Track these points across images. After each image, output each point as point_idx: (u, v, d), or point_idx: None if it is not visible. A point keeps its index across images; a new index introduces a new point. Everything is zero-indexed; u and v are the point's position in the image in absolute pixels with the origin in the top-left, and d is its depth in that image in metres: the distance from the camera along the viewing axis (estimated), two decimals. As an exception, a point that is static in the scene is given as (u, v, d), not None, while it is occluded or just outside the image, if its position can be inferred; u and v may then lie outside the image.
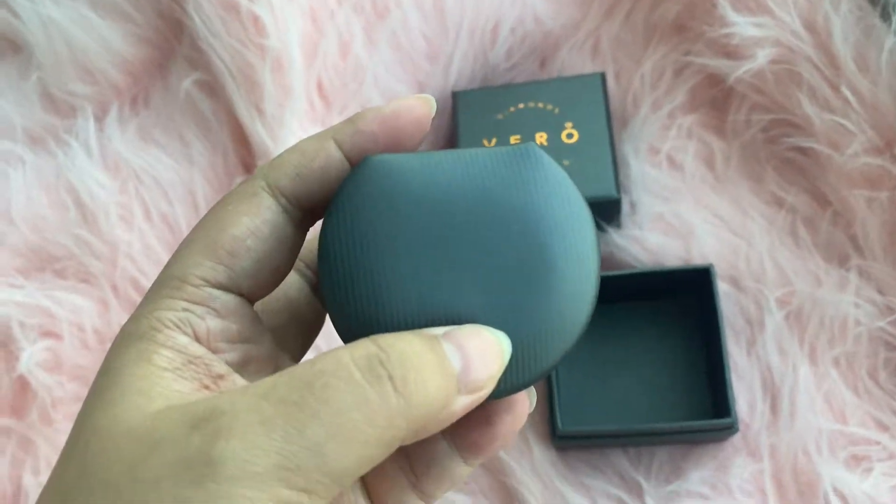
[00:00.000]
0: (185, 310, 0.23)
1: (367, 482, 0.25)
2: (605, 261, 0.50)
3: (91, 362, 0.51)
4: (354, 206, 0.24)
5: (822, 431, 0.44)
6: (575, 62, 0.54)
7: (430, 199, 0.24)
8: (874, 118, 0.45)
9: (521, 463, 0.46)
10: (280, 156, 0.25)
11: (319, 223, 0.25)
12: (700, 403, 0.46)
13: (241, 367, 0.24)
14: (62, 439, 0.49)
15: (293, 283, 0.28)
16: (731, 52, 0.49)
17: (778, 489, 0.44)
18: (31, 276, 0.53)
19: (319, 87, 0.53)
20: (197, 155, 0.54)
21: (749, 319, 0.47)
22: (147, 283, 0.52)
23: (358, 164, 0.24)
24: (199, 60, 0.55)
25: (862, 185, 0.46)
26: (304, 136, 0.51)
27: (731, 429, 0.43)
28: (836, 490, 0.43)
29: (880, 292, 0.46)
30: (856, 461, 0.44)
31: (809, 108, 0.47)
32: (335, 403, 0.20)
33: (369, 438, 0.20)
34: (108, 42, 0.55)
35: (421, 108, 0.25)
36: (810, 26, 0.46)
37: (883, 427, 0.44)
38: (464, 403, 0.22)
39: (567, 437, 0.44)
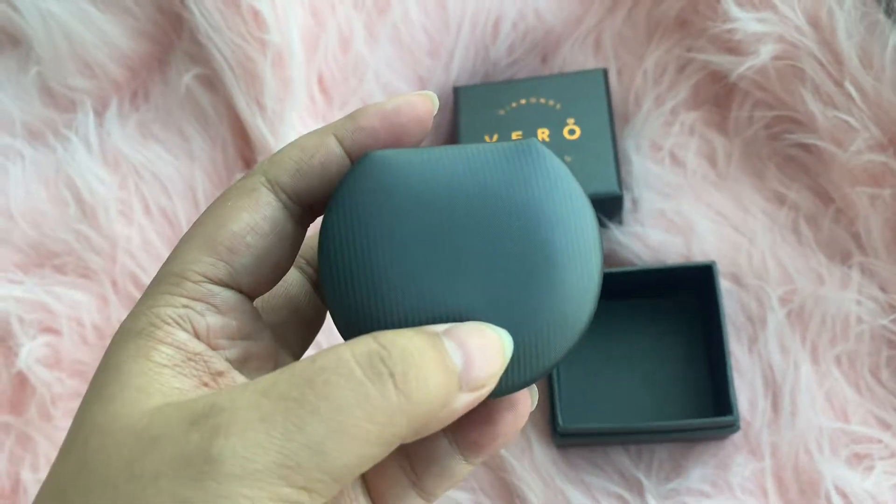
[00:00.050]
0: (184, 306, 0.23)
1: (368, 480, 0.25)
2: (607, 258, 0.50)
3: (90, 358, 0.51)
4: (355, 202, 0.24)
5: (823, 430, 0.44)
6: (577, 58, 0.54)
7: (431, 195, 0.24)
8: (878, 115, 0.45)
9: (521, 460, 0.46)
10: (280, 151, 0.25)
11: (320, 219, 0.25)
12: (701, 401, 0.46)
13: (240, 363, 0.24)
14: (61, 436, 0.49)
15: (293, 279, 0.28)
16: (734, 49, 0.49)
17: (779, 487, 0.44)
18: (31, 271, 0.53)
19: (320, 81, 0.53)
20: (197, 150, 0.54)
21: (751, 317, 0.47)
22: (147, 279, 0.52)
23: (358, 160, 0.24)
24: (199, 55, 0.55)
25: (865, 182, 0.45)
26: (305, 131, 0.51)
27: (733, 427, 0.43)
28: (837, 488, 0.43)
29: (883, 290, 0.46)
30: (857, 459, 0.44)
31: (812, 105, 0.46)
32: (336, 400, 0.20)
33: (370, 436, 0.20)
34: (108, 36, 0.55)
35: (422, 104, 0.25)
36: (814, 22, 0.46)
37: (885, 425, 0.44)
38: (465, 401, 0.22)
39: (568, 434, 0.44)
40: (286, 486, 0.19)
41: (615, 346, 0.48)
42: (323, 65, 0.53)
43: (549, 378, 0.45)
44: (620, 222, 0.50)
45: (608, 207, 0.48)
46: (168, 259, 0.24)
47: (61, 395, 0.50)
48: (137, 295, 0.52)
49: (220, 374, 0.23)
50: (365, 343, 0.21)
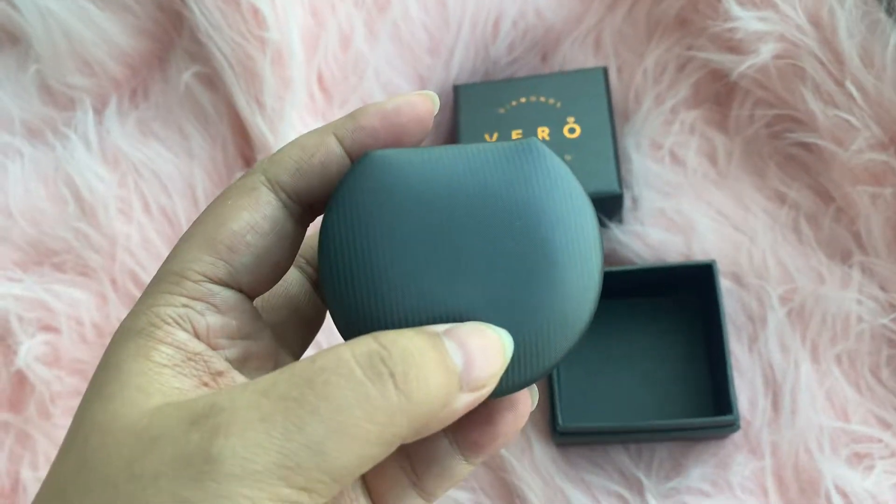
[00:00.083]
0: (184, 306, 0.23)
1: (368, 481, 0.25)
2: (607, 257, 0.50)
3: (90, 356, 0.51)
4: (355, 202, 0.24)
5: (823, 429, 0.44)
6: (577, 56, 0.54)
7: (431, 194, 0.24)
8: (878, 114, 0.45)
9: (521, 460, 0.46)
10: (280, 151, 0.25)
11: (320, 219, 0.25)
12: (701, 400, 0.46)
13: (240, 363, 0.24)
14: (60, 434, 0.49)
15: (293, 279, 0.28)
16: (735, 47, 0.49)
17: (779, 486, 0.44)
18: (30, 269, 0.53)
19: (320, 79, 0.53)
20: (196, 148, 0.54)
21: (751, 316, 0.47)
22: (146, 277, 0.52)
23: (358, 160, 0.24)
24: (198, 53, 0.55)
25: (866, 181, 0.45)
26: (305, 130, 0.51)
27: (733, 426, 0.43)
28: (837, 487, 0.43)
29: (883, 289, 0.46)
30: (857, 459, 0.44)
31: (813, 104, 0.46)
32: (336, 400, 0.20)
33: (370, 436, 0.20)
34: (108, 34, 0.55)
35: (423, 104, 0.25)
36: (815, 21, 0.46)
37: (885, 425, 0.44)
38: (465, 401, 0.22)
39: (568, 433, 0.44)
40: (286, 487, 0.19)
41: (615, 345, 0.48)
42: (323, 63, 0.53)
43: (549, 377, 0.45)
44: (620, 221, 0.50)
45: (608, 206, 0.48)
46: (168, 258, 0.24)
47: (60, 393, 0.50)
48: (137, 293, 0.52)
49: (220, 373, 0.23)
50: (365, 343, 0.21)
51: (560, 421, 0.44)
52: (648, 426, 0.43)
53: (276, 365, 0.26)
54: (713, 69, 0.51)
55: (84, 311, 0.51)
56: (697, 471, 0.45)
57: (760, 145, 0.50)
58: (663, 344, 0.48)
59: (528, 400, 0.25)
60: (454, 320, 0.23)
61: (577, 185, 0.24)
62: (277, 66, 0.51)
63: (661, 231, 0.49)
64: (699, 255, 0.48)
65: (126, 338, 0.23)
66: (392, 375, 0.20)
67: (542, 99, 0.50)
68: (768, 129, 0.50)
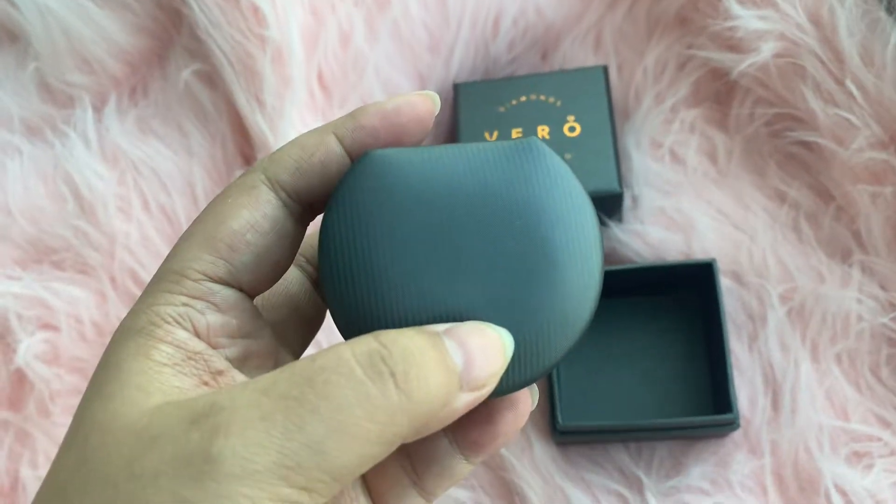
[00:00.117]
0: (184, 304, 0.23)
1: (368, 480, 0.25)
2: (607, 255, 0.50)
3: (89, 355, 0.51)
4: (355, 201, 0.24)
5: (823, 428, 0.44)
6: (577, 55, 0.54)
7: (432, 193, 0.24)
8: (879, 113, 0.45)
9: (521, 459, 0.46)
10: (280, 150, 0.25)
11: (320, 218, 0.25)
12: (701, 399, 0.46)
13: (241, 362, 0.24)
14: (60, 432, 0.49)
15: (294, 278, 0.28)
16: (735, 46, 0.49)
17: (779, 485, 0.44)
18: (29, 267, 0.53)
19: (320, 77, 0.53)
20: (196, 146, 0.54)
21: (751, 315, 0.47)
22: (145, 275, 0.52)
23: (359, 159, 0.24)
24: (198, 51, 0.55)
25: (866, 180, 0.45)
26: (304, 128, 0.51)
27: (733, 425, 0.43)
28: (837, 486, 0.43)
29: (883, 288, 0.46)
30: (857, 457, 0.44)
31: (813, 103, 0.46)
32: (336, 399, 0.20)
33: (370, 435, 0.20)
34: (107, 32, 0.55)
35: (423, 104, 0.25)
36: (815, 20, 0.46)
37: (885, 423, 0.44)
38: (466, 401, 0.22)
39: (567, 432, 0.44)
40: (286, 486, 0.19)
41: (615, 343, 0.48)
42: (322, 61, 0.53)
43: (549, 376, 0.45)
44: (620, 220, 0.50)
45: (608, 205, 0.48)
46: (168, 257, 0.24)
47: (60, 391, 0.50)
48: (136, 291, 0.52)
49: (220, 372, 0.23)
50: (365, 342, 0.21)
51: (560, 420, 0.44)
52: (648, 425, 0.43)
53: (277, 364, 0.26)
54: (713, 68, 0.51)
55: (83, 310, 0.51)
56: (697, 469, 0.45)
57: (760, 144, 0.50)
58: (663, 343, 0.48)
59: (528, 399, 0.25)
60: (454, 319, 0.23)
61: (577, 184, 0.24)
62: (277, 64, 0.51)
63: (661, 230, 0.49)
64: (699, 254, 0.48)
65: (126, 337, 0.23)
66: (392, 375, 0.20)
67: (542, 97, 0.50)
68: (768, 128, 0.50)
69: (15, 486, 0.49)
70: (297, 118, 0.51)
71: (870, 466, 0.43)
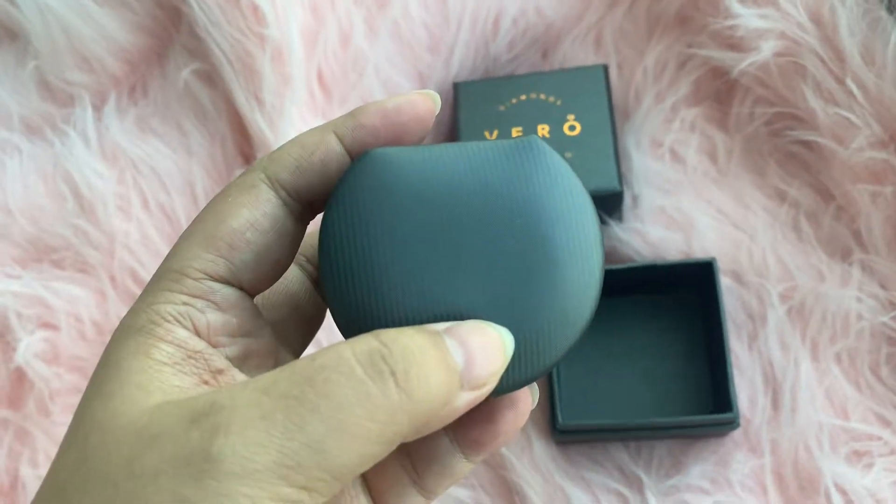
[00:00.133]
0: (184, 303, 0.23)
1: (368, 479, 0.25)
2: (607, 254, 0.50)
3: (89, 353, 0.51)
4: (355, 200, 0.24)
5: (823, 427, 0.44)
6: (577, 54, 0.54)
7: (432, 192, 0.24)
8: (879, 112, 0.45)
9: (521, 457, 0.46)
10: (280, 148, 0.25)
11: (320, 217, 0.25)
12: (701, 398, 0.46)
13: (241, 361, 0.24)
14: (60, 431, 0.49)
15: (294, 277, 0.28)
16: (736, 45, 0.49)
17: (779, 484, 0.44)
18: (29, 266, 0.53)
19: (320, 77, 0.53)
20: (195, 145, 0.54)
21: (751, 314, 0.47)
22: (145, 274, 0.51)
23: (359, 158, 0.24)
24: (197, 49, 0.55)
25: (866, 179, 0.45)
26: (304, 127, 0.51)
27: (733, 424, 0.43)
28: (837, 485, 0.43)
29: (883, 287, 0.46)
30: (857, 456, 0.44)
31: (814, 102, 0.46)
32: (336, 398, 0.19)
33: (371, 434, 0.20)
34: (106, 30, 0.55)
35: (423, 103, 0.25)
36: (816, 19, 0.46)
37: (885, 422, 0.44)
38: (466, 400, 0.22)
39: (567, 431, 0.44)
40: (286, 486, 0.19)
41: (615, 342, 0.48)
42: (322, 60, 0.53)
43: (549, 375, 0.45)
44: (620, 219, 0.50)
45: (608, 204, 0.48)
46: (168, 256, 0.24)
47: (59, 390, 0.50)
48: (136, 290, 0.52)
49: (221, 371, 0.23)
50: (366, 341, 0.21)
51: (560, 419, 0.44)
52: (648, 424, 0.43)
53: (277, 363, 0.26)
54: (714, 67, 0.51)
55: (83, 309, 0.51)
56: (697, 468, 0.45)
57: (761, 143, 0.50)
58: (663, 342, 0.48)
59: (528, 398, 0.25)
60: (455, 318, 0.23)
61: (577, 183, 0.24)
62: (277, 63, 0.51)
63: (662, 229, 0.49)
64: (699, 253, 0.48)
65: (126, 335, 0.23)
66: (393, 374, 0.20)
67: (543, 96, 0.50)
68: (768, 127, 0.50)
69: (15, 484, 0.49)
70: (297, 117, 0.51)
71: (870, 465, 0.43)
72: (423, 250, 0.23)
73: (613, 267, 0.46)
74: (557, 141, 0.49)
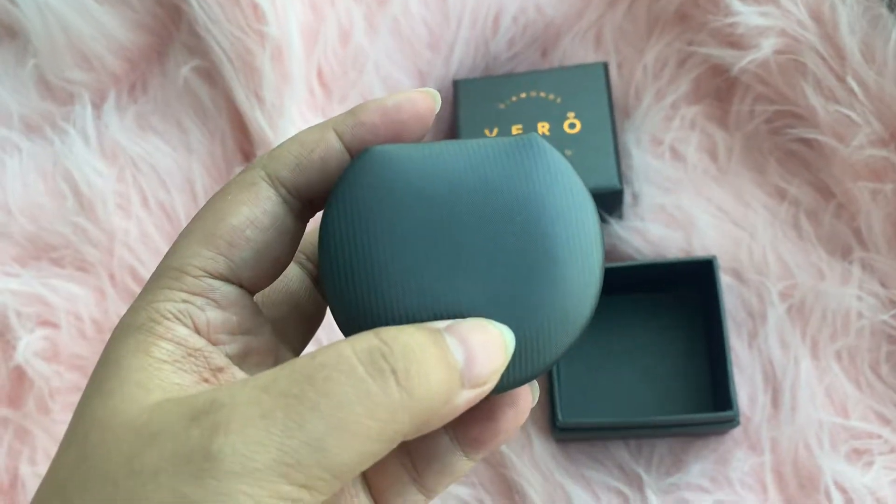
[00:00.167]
0: (184, 301, 0.23)
1: (368, 477, 0.25)
2: (607, 252, 0.50)
3: (88, 352, 0.51)
4: (355, 198, 0.23)
5: (823, 425, 0.44)
6: (577, 52, 0.53)
7: (432, 190, 0.24)
8: (879, 109, 0.45)
9: (521, 455, 0.46)
10: (279, 146, 0.25)
11: (320, 214, 0.25)
12: (701, 396, 0.46)
13: (241, 359, 0.24)
14: (59, 429, 0.49)
15: (294, 275, 0.28)
16: (736, 42, 0.49)
17: (779, 482, 0.44)
18: (28, 264, 0.53)
19: (319, 74, 0.53)
20: (195, 142, 0.54)
21: (751, 312, 0.47)
22: (145, 272, 0.51)
23: (359, 155, 0.24)
24: (197, 47, 0.55)
25: (866, 177, 0.45)
26: (304, 125, 0.51)
27: (733, 422, 0.43)
28: (836, 483, 0.43)
29: (883, 285, 0.46)
30: (857, 455, 0.44)
31: (814, 99, 0.46)
32: (336, 397, 0.19)
33: (371, 433, 0.20)
34: (106, 28, 0.55)
35: (423, 102, 0.25)
36: (816, 16, 0.46)
37: (885, 421, 0.44)
38: (467, 398, 0.22)
39: (567, 429, 0.44)
40: (286, 484, 0.19)
41: (615, 340, 0.48)
42: (322, 57, 0.53)
43: (549, 373, 0.45)
44: (620, 217, 0.50)
45: (608, 202, 0.48)
46: (167, 254, 0.24)
47: (59, 388, 0.50)
48: (135, 288, 0.52)
49: (221, 369, 0.23)
50: (366, 339, 0.21)
51: (560, 417, 0.44)
52: (648, 422, 0.43)
53: (277, 361, 0.26)
54: (714, 64, 0.51)
55: (83, 307, 0.51)
56: (697, 466, 0.45)
57: (761, 141, 0.50)
58: (663, 340, 0.48)
59: (528, 396, 0.25)
60: (455, 316, 0.23)
61: (577, 181, 0.24)
62: (277, 60, 0.51)
63: (662, 227, 0.49)
64: (699, 251, 0.48)
65: (126, 334, 0.23)
66: (394, 372, 0.20)
67: (543, 94, 0.50)
68: (769, 125, 0.50)
69: (14, 483, 0.49)
70: (297, 115, 0.51)
71: (870, 464, 0.43)
72: (422, 248, 0.23)
73: (613, 265, 0.46)
74: (557, 139, 0.49)
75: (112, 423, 0.21)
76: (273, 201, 0.24)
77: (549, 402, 0.46)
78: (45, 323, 0.51)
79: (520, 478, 0.45)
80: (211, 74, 0.55)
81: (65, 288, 0.51)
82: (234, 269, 0.24)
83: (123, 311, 0.46)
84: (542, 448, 0.46)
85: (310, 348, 0.26)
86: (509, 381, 0.23)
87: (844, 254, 0.47)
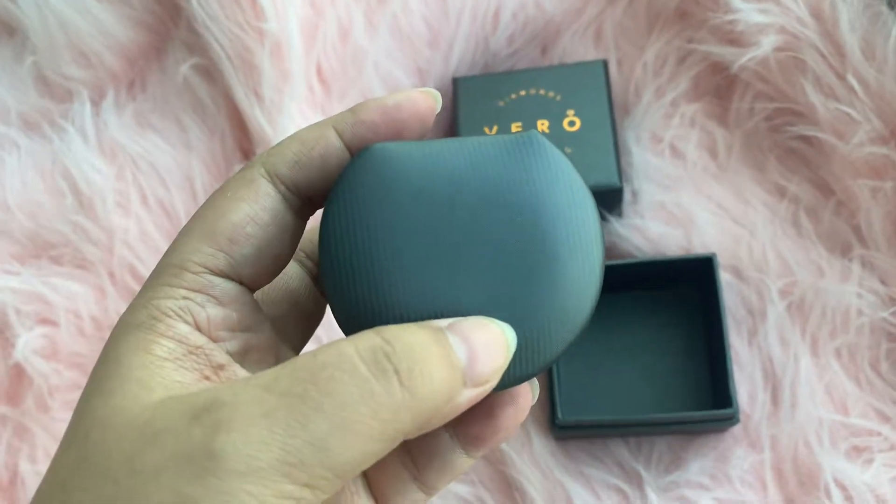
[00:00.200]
0: (184, 297, 0.23)
1: (368, 474, 0.25)
2: (607, 250, 0.50)
3: (88, 350, 0.51)
4: (356, 195, 0.23)
5: (823, 422, 0.44)
6: (577, 49, 0.53)
7: (432, 187, 0.23)
8: (880, 107, 0.45)
9: (521, 453, 0.46)
10: (279, 143, 0.25)
11: (319, 213, 0.25)
12: (701, 394, 0.46)
13: (241, 356, 0.24)
14: (59, 427, 0.49)
15: (293, 272, 0.28)
16: (736, 40, 0.49)
17: (778, 480, 0.44)
18: (27, 262, 0.53)
19: (319, 72, 0.53)
20: (194, 140, 0.54)
21: (751, 309, 0.47)
22: (144, 270, 0.51)
23: (359, 152, 0.24)
24: (196, 44, 0.55)
25: (866, 174, 0.45)
26: (304, 122, 0.51)
27: (732, 419, 0.43)
28: (836, 481, 0.43)
29: (883, 283, 0.46)
30: (857, 452, 0.44)
31: (814, 97, 0.46)
32: (339, 396, 0.19)
33: (374, 432, 0.20)
34: (105, 25, 0.54)
35: (424, 101, 0.25)
36: (816, 13, 0.46)
37: (884, 418, 0.44)
38: (469, 397, 0.22)
39: (567, 426, 0.44)
40: (289, 483, 0.19)
41: (615, 338, 0.48)
42: (322, 55, 0.53)
43: (549, 370, 0.45)
44: (620, 214, 0.50)
45: (608, 199, 0.48)
46: (167, 251, 0.24)
47: (58, 386, 0.50)
48: (135, 286, 0.51)
49: (222, 367, 0.23)
50: (368, 338, 0.21)
51: (559, 414, 0.44)
52: (648, 419, 0.43)
53: (277, 358, 0.26)
54: (713, 62, 0.51)
55: (82, 305, 0.51)
56: (697, 464, 0.45)
57: (760, 138, 0.50)
58: (663, 337, 0.48)
59: (528, 394, 0.25)
60: (455, 314, 0.23)
61: (578, 179, 0.24)
62: (276, 58, 0.50)
63: (661, 224, 0.49)
64: (699, 249, 0.48)
65: (126, 331, 0.23)
66: (397, 372, 0.20)
67: (542, 92, 0.50)
68: (768, 123, 0.50)
69: (14, 480, 0.49)
70: (297, 112, 0.51)
71: (869, 461, 0.43)
72: (423, 246, 0.23)
73: (613, 263, 0.46)
74: (557, 136, 0.49)
75: (113, 422, 0.21)
76: (273, 198, 0.24)
77: (548, 399, 0.46)
78: (45, 321, 0.51)
79: (519, 475, 0.45)
80: (210, 72, 0.54)
81: (64, 286, 0.51)
82: (235, 266, 0.24)
83: (123, 309, 0.46)
84: (541, 446, 0.46)
85: (309, 346, 0.26)
86: (509, 379, 0.23)
87: (844, 251, 0.47)
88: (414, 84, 0.53)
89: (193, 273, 0.23)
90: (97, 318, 0.51)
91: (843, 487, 0.43)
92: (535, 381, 0.26)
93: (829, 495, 0.43)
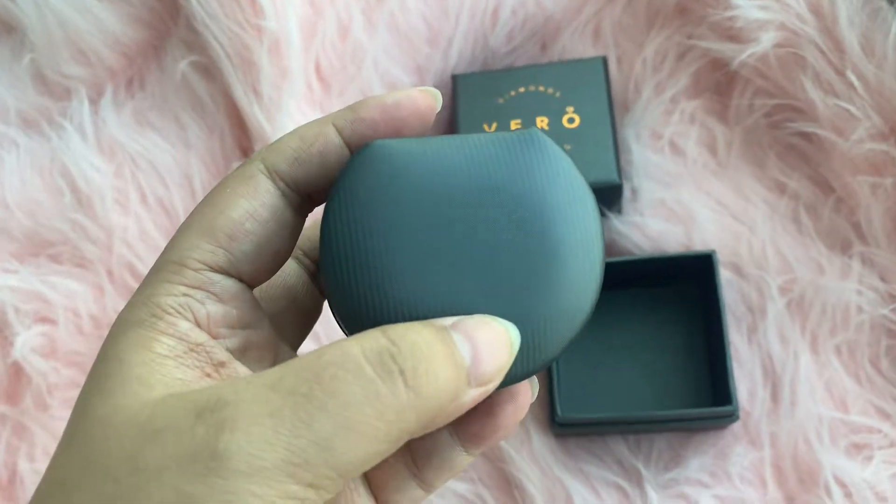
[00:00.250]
0: (184, 294, 0.23)
1: (368, 472, 0.25)
2: (607, 247, 0.50)
3: (87, 348, 0.50)
4: (357, 193, 0.23)
5: (822, 419, 0.44)
6: (576, 46, 0.53)
7: (433, 185, 0.23)
8: (879, 103, 0.45)
9: (520, 451, 0.46)
10: (278, 140, 0.25)
11: (318, 210, 0.25)
12: (700, 391, 0.46)
13: (241, 353, 0.24)
14: (58, 425, 0.49)
15: (291, 270, 0.28)
16: (735, 36, 0.49)
17: (778, 477, 0.44)
18: (26, 260, 0.53)
19: (318, 69, 0.53)
20: (193, 138, 0.54)
21: (750, 306, 0.47)
22: (143, 269, 0.51)
23: (360, 149, 0.24)
24: (195, 42, 0.54)
25: (866, 171, 0.45)
26: (302, 120, 0.51)
27: (732, 416, 0.43)
28: (836, 478, 0.43)
29: (883, 280, 0.46)
30: (856, 449, 0.44)
31: (814, 93, 0.46)
32: (344, 396, 0.19)
33: (378, 433, 0.20)
34: (103, 23, 0.54)
35: (423, 100, 0.25)
36: (816, 10, 0.46)
37: (884, 415, 0.44)
38: (473, 396, 0.22)
39: (566, 424, 0.44)
40: (294, 484, 0.19)
41: (615, 335, 0.48)
42: (321, 52, 0.52)
43: (549, 368, 0.45)
44: (620, 212, 0.50)
45: (607, 196, 0.48)
46: (166, 248, 0.24)
47: (57, 384, 0.50)
48: (134, 285, 0.51)
49: (222, 364, 0.23)
50: (373, 338, 0.20)
51: (559, 412, 0.44)
52: (648, 417, 0.43)
53: (276, 355, 0.26)
54: (713, 58, 0.51)
55: (81, 303, 0.51)
56: (696, 461, 0.45)
57: (760, 135, 0.50)
58: (663, 335, 0.48)
59: (528, 391, 0.25)
60: (457, 312, 0.23)
61: (578, 176, 0.24)
62: (275, 55, 0.50)
63: (661, 221, 0.49)
64: (699, 246, 0.48)
65: (126, 329, 0.22)
66: (402, 372, 0.20)
67: (542, 88, 0.50)
68: (768, 119, 0.50)
69: (13, 479, 0.49)
70: (295, 110, 0.51)
71: (869, 458, 0.43)
72: (423, 244, 0.23)
73: (613, 260, 0.46)
74: (556, 133, 0.49)
75: (114, 420, 0.20)
76: (272, 194, 0.24)
77: (548, 397, 0.46)
78: (43, 319, 0.51)
79: (519, 473, 0.45)
80: (209, 70, 0.54)
81: (63, 284, 0.51)
82: (234, 263, 0.24)
83: (121, 307, 0.46)
84: (541, 443, 0.46)
85: (307, 343, 0.26)
86: (510, 376, 0.23)
87: (844, 248, 0.47)
88: (413, 81, 0.53)
89: (193, 270, 0.23)
90: (96, 316, 0.51)
91: (842, 484, 0.43)
92: (534, 378, 0.26)
93: (828, 492, 0.43)
